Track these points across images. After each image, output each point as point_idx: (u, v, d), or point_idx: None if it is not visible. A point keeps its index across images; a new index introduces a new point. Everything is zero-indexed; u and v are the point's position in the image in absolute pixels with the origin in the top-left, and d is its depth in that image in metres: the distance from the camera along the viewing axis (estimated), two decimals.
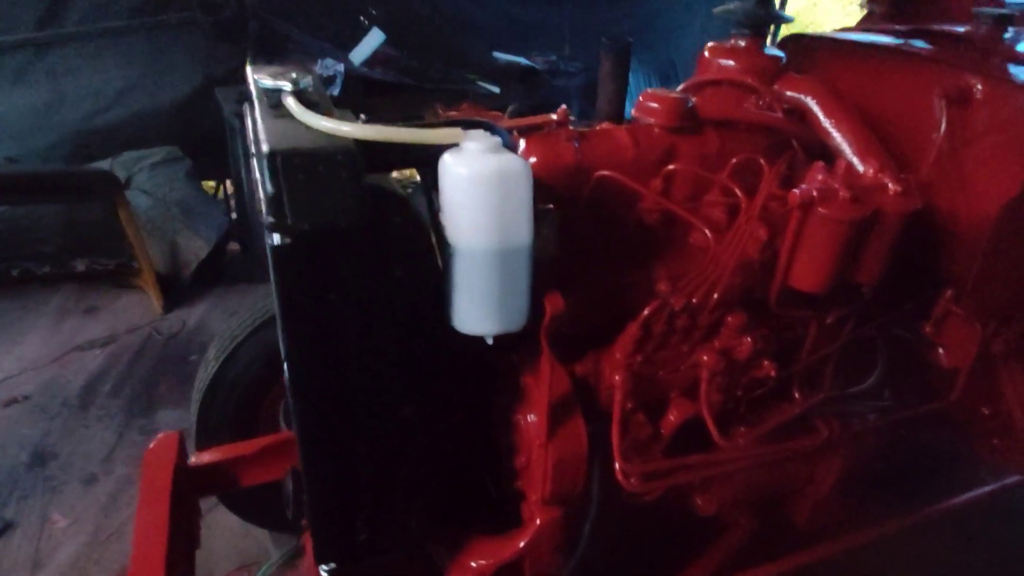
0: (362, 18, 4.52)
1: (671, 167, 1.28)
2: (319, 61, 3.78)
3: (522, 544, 1.24)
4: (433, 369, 1.03)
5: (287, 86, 1.01)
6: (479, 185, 0.91)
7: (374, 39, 4.01)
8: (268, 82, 1.03)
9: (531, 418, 1.15)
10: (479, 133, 0.94)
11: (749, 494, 1.43)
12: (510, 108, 1.35)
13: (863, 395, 1.47)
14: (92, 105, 4.32)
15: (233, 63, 4.53)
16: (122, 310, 3.85)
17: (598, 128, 1.35)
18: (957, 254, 1.43)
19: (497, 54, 4.47)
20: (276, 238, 0.83)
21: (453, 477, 1.17)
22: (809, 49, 1.71)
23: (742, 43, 1.60)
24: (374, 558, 1.12)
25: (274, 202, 0.82)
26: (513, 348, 1.18)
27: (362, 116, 0.99)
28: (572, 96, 4.15)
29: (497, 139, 0.94)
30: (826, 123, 1.48)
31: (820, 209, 1.15)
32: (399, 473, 1.07)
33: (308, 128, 0.92)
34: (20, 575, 2.30)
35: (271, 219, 0.83)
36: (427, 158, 0.97)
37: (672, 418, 1.23)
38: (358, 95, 3.91)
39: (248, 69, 1.08)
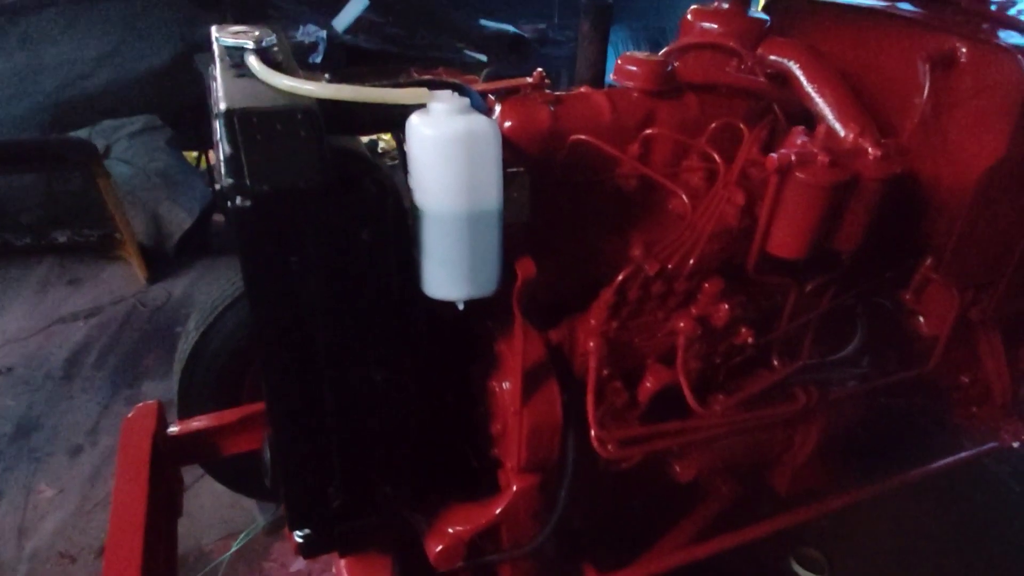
0: None
1: (649, 132, 1.25)
2: (300, 27, 3.70)
3: (499, 511, 1.24)
4: (403, 334, 1.02)
5: (249, 44, 0.98)
6: (446, 146, 0.89)
7: (357, 5, 3.93)
8: (230, 40, 1.00)
9: (505, 385, 1.14)
10: (446, 94, 0.91)
11: (728, 461, 1.44)
12: (485, 71, 1.32)
13: (842, 363, 1.47)
14: (69, 73, 4.22)
15: (208, 30, 4.41)
16: (106, 282, 3.81)
17: (575, 92, 1.32)
18: (937, 220, 1.42)
19: (484, 22, 4.38)
20: (236, 200, 0.81)
21: (428, 443, 1.17)
22: (795, 12, 1.68)
23: (725, 5, 1.56)
24: (349, 524, 1.12)
25: (232, 163, 0.80)
26: (488, 314, 1.17)
27: (326, 76, 0.96)
28: (561, 65, 4.09)
29: (465, 100, 0.91)
30: (808, 87, 1.45)
31: (798, 174, 1.13)
32: (371, 439, 1.06)
33: (269, 87, 0.89)
34: (6, 544, 2.31)
35: (230, 180, 0.80)
36: (395, 120, 0.94)
37: (648, 385, 1.23)
38: (340, 63, 3.84)
39: (212, 29, 1.04)
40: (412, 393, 1.08)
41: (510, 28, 4.30)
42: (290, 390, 0.97)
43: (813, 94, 1.45)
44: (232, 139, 0.80)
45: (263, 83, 0.90)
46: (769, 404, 1.38)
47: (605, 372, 1.20)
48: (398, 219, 0.93)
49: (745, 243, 1.23)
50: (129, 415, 1.70)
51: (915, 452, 2.09)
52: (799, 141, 1.18)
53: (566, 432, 1.17)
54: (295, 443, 1.02)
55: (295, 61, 1.08)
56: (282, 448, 1.02)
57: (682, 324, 1.20)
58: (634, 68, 1.32)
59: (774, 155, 1.13)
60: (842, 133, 1.39)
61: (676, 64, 1.52)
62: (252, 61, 0.94)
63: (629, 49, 4.29)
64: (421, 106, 0.92)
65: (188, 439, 1.75)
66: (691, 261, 1.15)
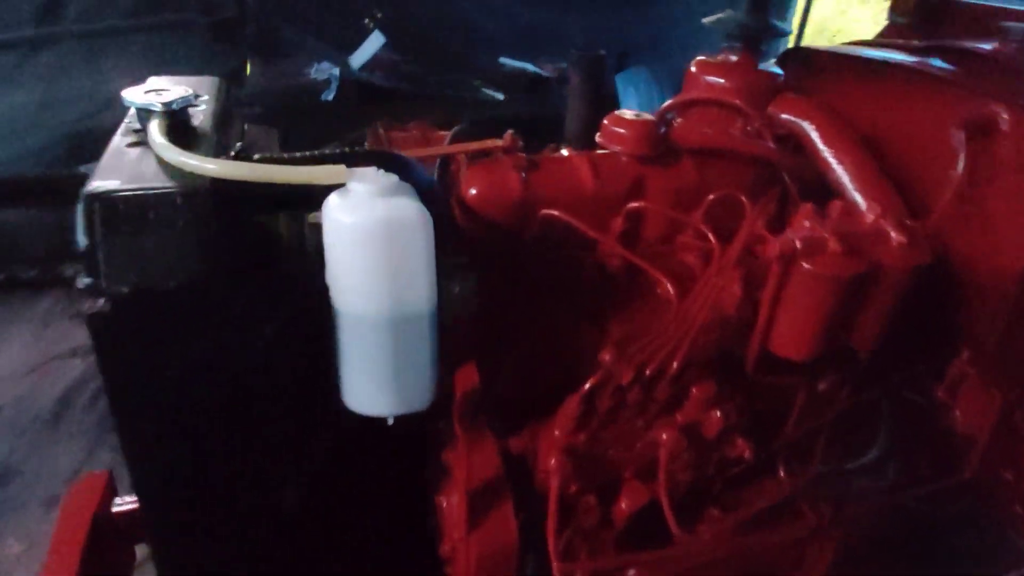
0: (366, 20, 4.38)
1: (634, 205, 1.09)
2: (314, 65, 3.63)
3: None
4: (320, 448, 0.85)
5: (156, 106, 0.84)
6: (362, 236, 0.74)
7: (374, 43, 3.87)
8: (139, 100, 0.86)
9: (453, 501, 0.97)
10: (369, 171, 0.76)
11: None
12: (455, 128, 1.18)
13: (862, 470, 1.26)
14: (87, 106, 4.22)
15: (231, 64, 4.42)
16: None
17: (552, 156, 1.17)
18: (976, 310, 1.22)
19: (503, 60, 4.29)
20: (91, 302, 0.66)
21: (365, 565, 1.00)
22: (813, 65, 1.51)
23: (733, 58, 1.40)
24: None
25: (88, 258, 0.65)
26: (436, 413, 1.00)
27: (238, 144, 0.82)
28: None
29: (391, 179, 0.76)
30: (825, 153, 1.27)
31: (804, 263, 0.95)
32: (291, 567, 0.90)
33: (162, 162, 0.75)
34: None
35: (85, 280, 0.66)
36: (317, 198, 0.79)
37: (624, 506, 1.04)
38: (353, 100, 3.76)
39: (126, 90, 0.90)
40: (338, 512, 0.91)
41: (529, 67, 4.19)
42: (182, 528, 0.81)
43: (830, 161, 1.27)
44: (89, 229, 0.66)
45: (156, 156, 0.76)
46: (772, 524, 1.18)
47: (572, 489, 1.02)
48: (307, 318, 0.78)
49: (745, 335, 1.05)
50: (71, 487, 1.56)
51: (948, 551, 1.84)
52: (807, 222, 1.00)
53: (523, 559, 0.99)
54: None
55: (223, 125, 0.95)
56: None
57: (664, 436, 1.02)
58: (622, 130, 1.16)
59: (776, 240, 0.96)
60: (862, 209, 1.21)
61: (676, 122, 1.36)
62: (153, 127, 0.81)
63: (653, 94, 4.15)
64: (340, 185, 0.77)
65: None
66: (675, 364, 0.97)
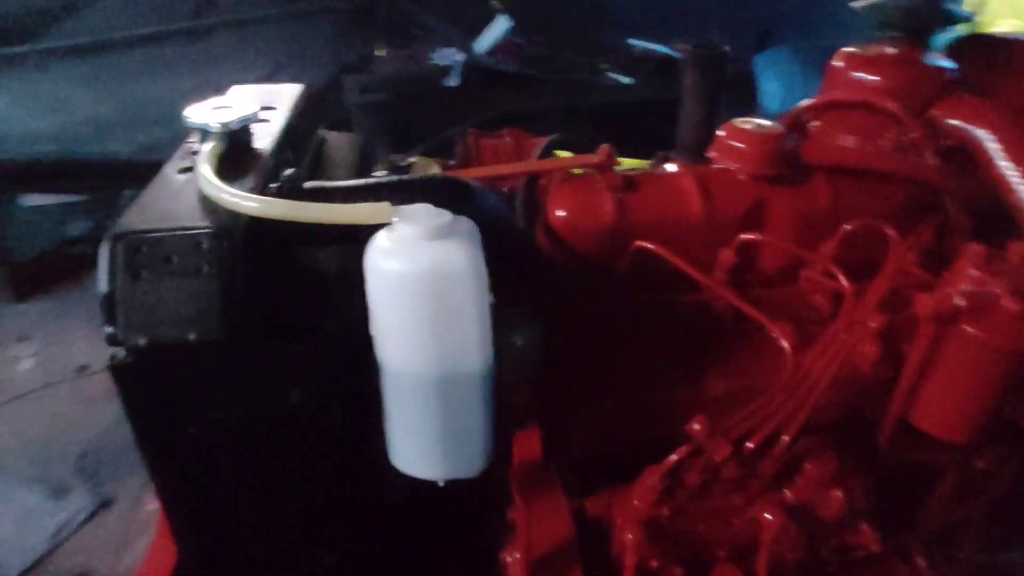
0: (492, 2, 4.30)
1: (748, 236, 0.92)
2: (438, 50, 3.60)
3: None
4: (361, 511, 0.78)
5: (213, 126, 0.79)
6: (405, 286, 0.64)
7: (500, 26, 3.78)
8: (197, 118, 0.81)
9: (516, 563, 0.87)
10: (419, 210, 0.66)
11: None
12: (550, 138, 1.05)
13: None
14: None
15: (364, 50, 4.52)
16: None
17: (655, 173, 1.01)
18: None
19: (633, 41, 4.06)
20: (112, 353, 0.61)
21: None
22: (997, 58, 1.22)
23: (890, 50, 1.16)
24: None
25: (107, 304, 0.60)
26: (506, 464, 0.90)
27: (290, 170, 0.75)
28: None
29: (442, 218, 0.65)
30: (1005, 172, 1.02)
31: (968, 328, 0.74)
32: None
33: (203, 196, 0.69)
34: (107, 552, 2.37)
35: (109, 329, 0.61)
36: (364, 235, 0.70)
37: None
38: (477, 86, 3.70)
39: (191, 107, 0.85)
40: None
41: (660, 48, 3.93)
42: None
43: (1012, 183, 1.01)
44: (111, 273, 0.60)
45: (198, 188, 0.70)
46: None
47: (654, 564, 0.88)
48: (350, 376, 0.69)
49: (881, 398, 0.86)
50: None
51: None
52: (971, 271, 0.78)
53: None
54: None
55: (293, 142, 0.89)
56: None
57: (768, 516, 0.85)
58: (739, 144, 0.98)
59: (930, 295, 0.76)
60: None
61: (813, 128, 1.15)
62: (203, 152, 0.75)
63: (795, 77, 3.76)
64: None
65: None
66: (784, 438, 0.80)
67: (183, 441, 0.66)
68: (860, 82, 1.16)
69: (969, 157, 1.07)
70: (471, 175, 0.99)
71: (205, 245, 0.61)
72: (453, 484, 0.76)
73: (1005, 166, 1.03)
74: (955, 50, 1.29)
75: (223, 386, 0.65)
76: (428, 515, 0.86)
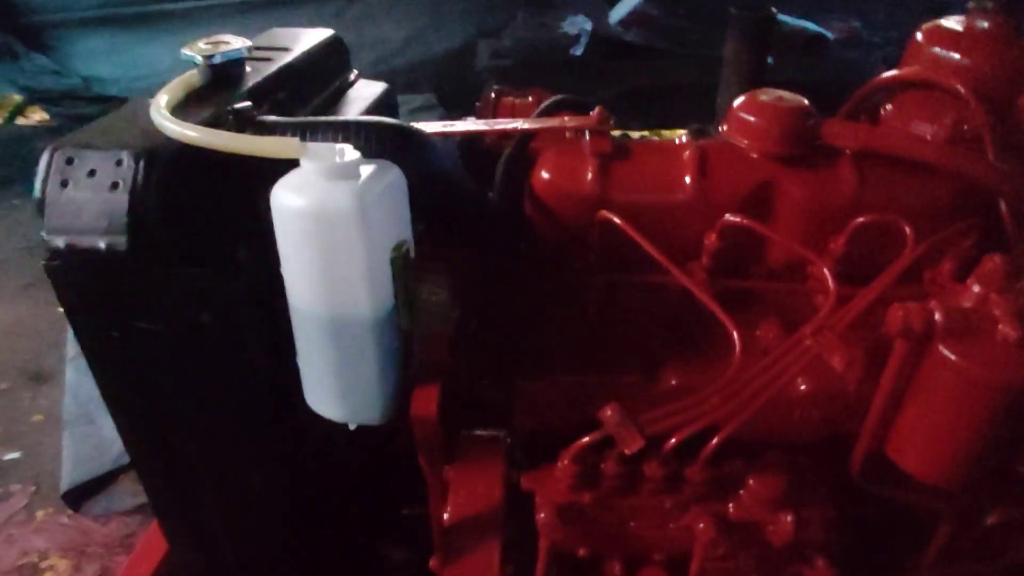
0: None
1: (731, 219, 0.82)
2: (568, 18, 3.54)
3: None
4: (284, 437, 0.80)
5: (197, 58, 0.83)
6: (294, 223, 0.64)
7: None
8: (187, 51, 0.86)
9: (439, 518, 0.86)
10: (325, 148, 0.66)
11: None
12: (553, 98, 1.00)
13: None
14: (384, 50, 4.72)
15: (503, 16, 4.56)
16: None
17: (657, 143, 0.93)
18: None
19: (783, 17, 3.74)
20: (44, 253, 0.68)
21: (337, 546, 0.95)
22: None
23: (983, 24, 0.98)
24: None
25: (39, 207, 0.66)
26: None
27: (244, 103, 0.77)
28: (865, 73, 3.30)
29: (350, 158, 0.64)
30: None
31: (944, 350, 0.62)
32: (261, 547, 0.88)
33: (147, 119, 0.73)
34: None
35: (42, 232, 0.67)
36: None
37: None
38: (600, 57, 3.60)
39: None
40: (302, 506, 0.86)
41: (809, 25, 3.59)
42: (157, 473, 0.83)
43: None
44: (43, 180, 0.66)
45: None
46: None
47: (581, 552, 0.83)
48: (260, 303, 0.71)
49: (850, 422, 0.75)
50: None
51: None
52: (977, 288, 0.65)
53: None
54: (172, 527, 0.88)
55: (293, 81, 0.91)
56: (164, 528, 0.89)
57: (701, 525, 0.77)
58: (751, 117, 0.88)
59: (901, 306, 0.64)
60: None
61: (886, 109, 1.00)
62: (174, 82, 0.79)
63: None
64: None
65: None
66: (714, 441, 0.72)
67: (110, 344, 0.72)
68: (937, 59, 0.99)
69: None
70: (461, 130, 0.98)
71: (125, 163, 0.66)
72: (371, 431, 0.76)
73: None
74: None
75: (137, 297, 0.69)
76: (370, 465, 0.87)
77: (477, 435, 0.92)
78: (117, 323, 0.70)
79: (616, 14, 3.74)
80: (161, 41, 4.68)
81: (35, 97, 4.97)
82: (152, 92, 0.83)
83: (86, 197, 0.65)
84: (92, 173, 0.66)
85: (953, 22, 1.02)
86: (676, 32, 3.71)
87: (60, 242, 0.66)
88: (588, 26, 3.51)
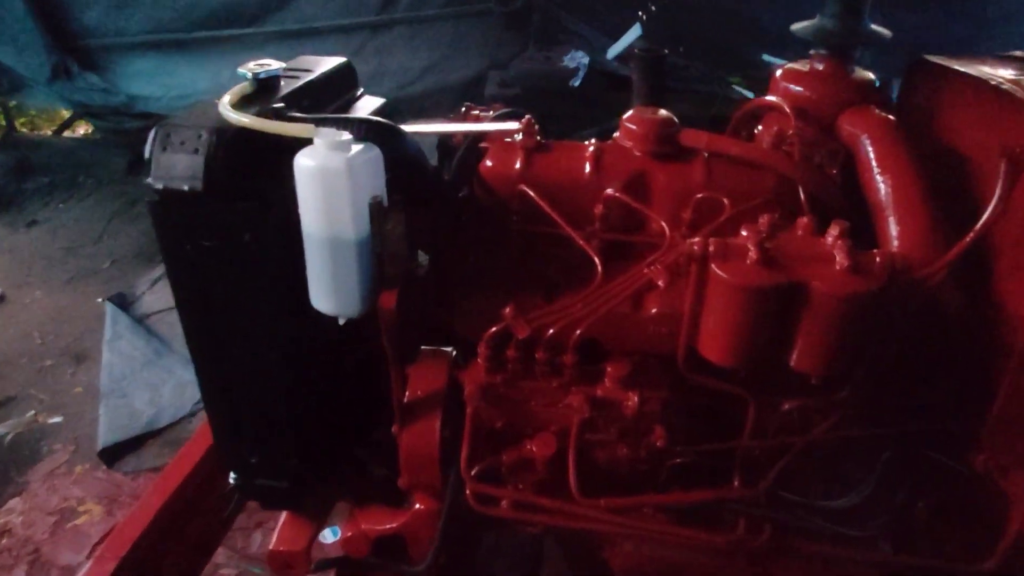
0: (640, 13, 4.56)
1: (609, 192, 1.18)
2: (570, 52, 3.96)
3: (398, 525, 1.31)
4: (297, 334, 1.17)
5: (248, 73, 1.22)
6: (308, 177, 1.02)
7: (631, 35, 4.05)
8: (242, 68, 1.25)
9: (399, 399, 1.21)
10: (330, 131, 1.03)
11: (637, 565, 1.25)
12: (501, 111, 1.38)
13: (838, 514, 1.17)
14: (403, 78, 5.17)
15: (514, 49, 4.99)
16: None
17: (564, 142, 1.30)
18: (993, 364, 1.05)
19: (766, 57, 4.13)
20: (148, 195, 1.06)
21: (329, 434, 1.30)
22: (936, 79, 1.35)
23: (819, 65, 1.34)
24: (263, 480, 1.31)
25: (148, 164, 1.05)
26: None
27: (280, 105, 1.15)
28: None
29: (344, 138, 1.02)
30: (873, 171, 1.18)
31: (715, 267, 0.97)
32: (273, 414, 1.24)
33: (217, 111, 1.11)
34: None
35: (147, 180, 1.05)
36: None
37: (534, 450, 1.16)
38: (598, 88, 4.00)
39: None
40: (312, 385, 1.23)
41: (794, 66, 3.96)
42: (207, 357, 1.20)
43: (876, 180, 1.18)
44: (151, 145, 1.05)
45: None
46: (695, 524, 1.17)
47: (498, 425, 1.18)
48: (284, 230, 1.08)
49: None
50: None
51: None
52: (744, 232, 1.00)
53: (445, 469, 1.20)
54: (215, 402, 1.25)
55: (313, 92, 1.29)
56: (207, 402, 1.25)
57: (574, 402, 1.12)
58: (633, 125, 1.25)
59: (691, 241, 0.99)
60: (893, 234, 1.12)
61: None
62: (234, 88, 1.18)
63: None
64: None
65: None
66: (577, 332, 1.07)
67: (184, 257, 1.09)
68: (787, 90, 1.36)
69: (849, 157, 1.24)
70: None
71: (203, 137, 1.04)
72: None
73: (873, 167, 1.19)
74: (909, 71, 1.44)
75: (205, 223, 1.07)
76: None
77: (431, 349, 1.29)
78: (190, 241, 1.08)
79: (613, 51, 4.16)
80: (200, 65, 5.17)
81: (83, 112, 5.46)
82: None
83: (178, 157, 1.04)
84: (183, 142, 1.04)
85: (800, 64, 1.40)
86: (670, 69, 4.12)
87: (159, 185, 1.04)
88: (586, 60, 3.92)
